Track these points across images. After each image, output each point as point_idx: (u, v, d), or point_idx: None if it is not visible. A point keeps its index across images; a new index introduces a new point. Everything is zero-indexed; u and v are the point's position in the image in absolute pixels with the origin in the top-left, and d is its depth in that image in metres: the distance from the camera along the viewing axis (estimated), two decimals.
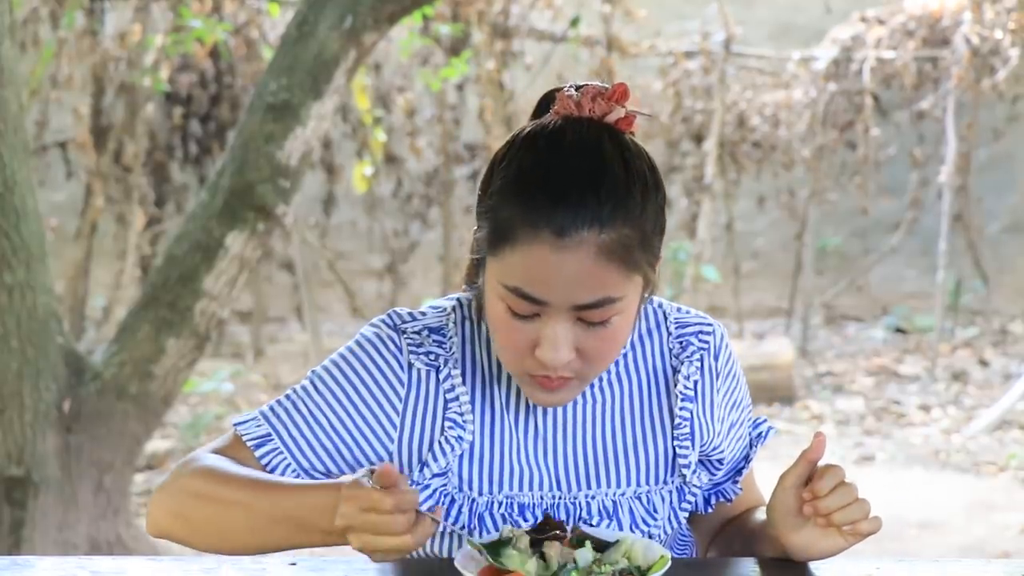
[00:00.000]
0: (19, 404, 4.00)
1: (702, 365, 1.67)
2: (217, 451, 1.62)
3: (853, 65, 8.34)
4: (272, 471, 1.60)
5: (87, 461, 4.19)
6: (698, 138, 8.60)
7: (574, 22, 7.70)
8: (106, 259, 7.95)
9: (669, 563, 1.47)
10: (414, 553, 1.62)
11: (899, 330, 9.71)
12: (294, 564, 1.58)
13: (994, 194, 9.93)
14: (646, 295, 1.56)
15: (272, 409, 1.64)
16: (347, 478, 1.49)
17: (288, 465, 1.60)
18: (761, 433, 1.74)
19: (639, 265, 1.49)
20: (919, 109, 8.44)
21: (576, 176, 1.46)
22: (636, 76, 8.25)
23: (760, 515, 1.71)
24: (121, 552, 4.25)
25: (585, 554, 1.48)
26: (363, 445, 1.61)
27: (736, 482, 1.73)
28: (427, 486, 1.58)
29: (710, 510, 1.73)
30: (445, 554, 1.62)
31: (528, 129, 1.53)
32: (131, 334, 4.28)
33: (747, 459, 1.73)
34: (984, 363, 8.55)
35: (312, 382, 1.64)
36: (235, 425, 1.65)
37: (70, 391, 4.14)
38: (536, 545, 1.48)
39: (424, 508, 1.56)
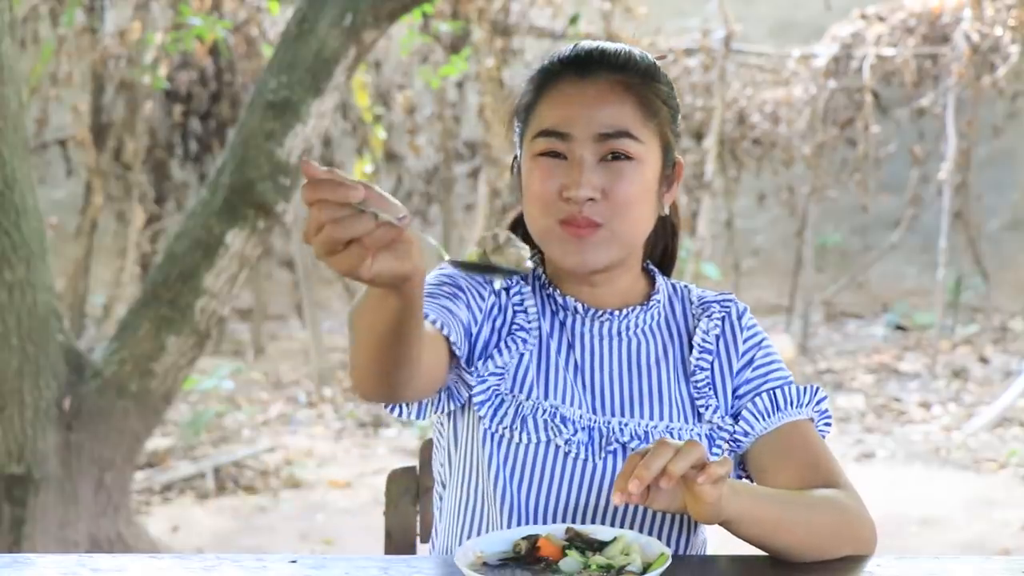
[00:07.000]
0: (19, 402, 4.01)
1: (723, 324, 1.79)
2: None
3: (853, 62, 8.34)
4: None
5: (87, 459, 4.19)
6: (698, 135, 8.59)
7: (574, 19, 7.70)
8: (106, 257, 7.96)
9: (669, 560, 1.47)
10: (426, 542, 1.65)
11: (899, 327, 9.71)
12: (294, 562, 1.58)
13: (994, 191, 9.93)
14: (667, 173, 1.73)
15: None
16: None
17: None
18: (820, 410, 1.76)
19: (657, 113, 1.69)
20: (919, 106, 8.44)
21: (595, 44, 1.73)
22: None
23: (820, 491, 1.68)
24: (121, 550, 4.25)
25: (570, 563, 1.48)
26: (469, 310, 1.71)
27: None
28: (484, 380, 1.69)
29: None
30: (487, 456, 1.69)
31: None
32: (131, 332, 4.28)
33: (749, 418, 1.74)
34: (984, 360, 8.54)
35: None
36: None
37: (70, 389, 4.14)
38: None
39: (482, 407, 1.68)
